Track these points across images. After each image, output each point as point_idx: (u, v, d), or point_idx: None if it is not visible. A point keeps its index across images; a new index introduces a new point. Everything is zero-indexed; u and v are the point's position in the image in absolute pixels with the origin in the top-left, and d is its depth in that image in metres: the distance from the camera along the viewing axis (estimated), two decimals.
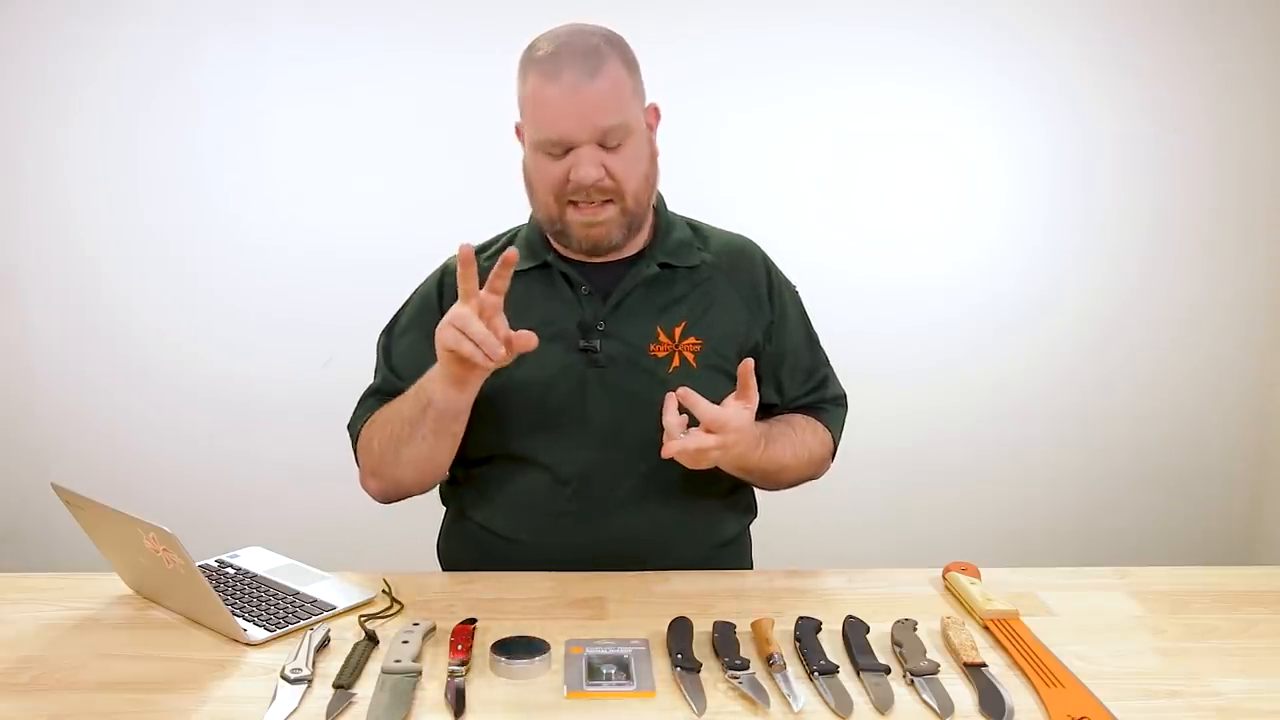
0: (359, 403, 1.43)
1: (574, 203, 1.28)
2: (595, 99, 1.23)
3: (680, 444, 1.19)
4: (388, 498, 1.38)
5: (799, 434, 1.41)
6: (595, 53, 1.24)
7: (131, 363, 2.50)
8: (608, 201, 1.28)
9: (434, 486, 1.43)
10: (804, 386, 1.46)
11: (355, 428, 1.40)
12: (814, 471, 1.45)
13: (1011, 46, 2.44)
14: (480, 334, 1.14)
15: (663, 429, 1.24)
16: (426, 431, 1.27)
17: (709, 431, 1.20)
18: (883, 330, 2.51)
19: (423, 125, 2.42)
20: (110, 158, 2.42)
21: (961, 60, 2.44)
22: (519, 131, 1.33)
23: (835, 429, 1.48)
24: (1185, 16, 2.44)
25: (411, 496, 1.40)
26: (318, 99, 2.41)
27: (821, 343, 1.51)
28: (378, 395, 1.40)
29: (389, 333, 1.44)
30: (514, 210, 1.46)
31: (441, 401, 1.24)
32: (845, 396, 1.51)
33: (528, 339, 1.18)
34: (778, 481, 1.42)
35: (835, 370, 1.52)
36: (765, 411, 1.45)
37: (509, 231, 1.46)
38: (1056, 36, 2.44)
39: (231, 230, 2.46)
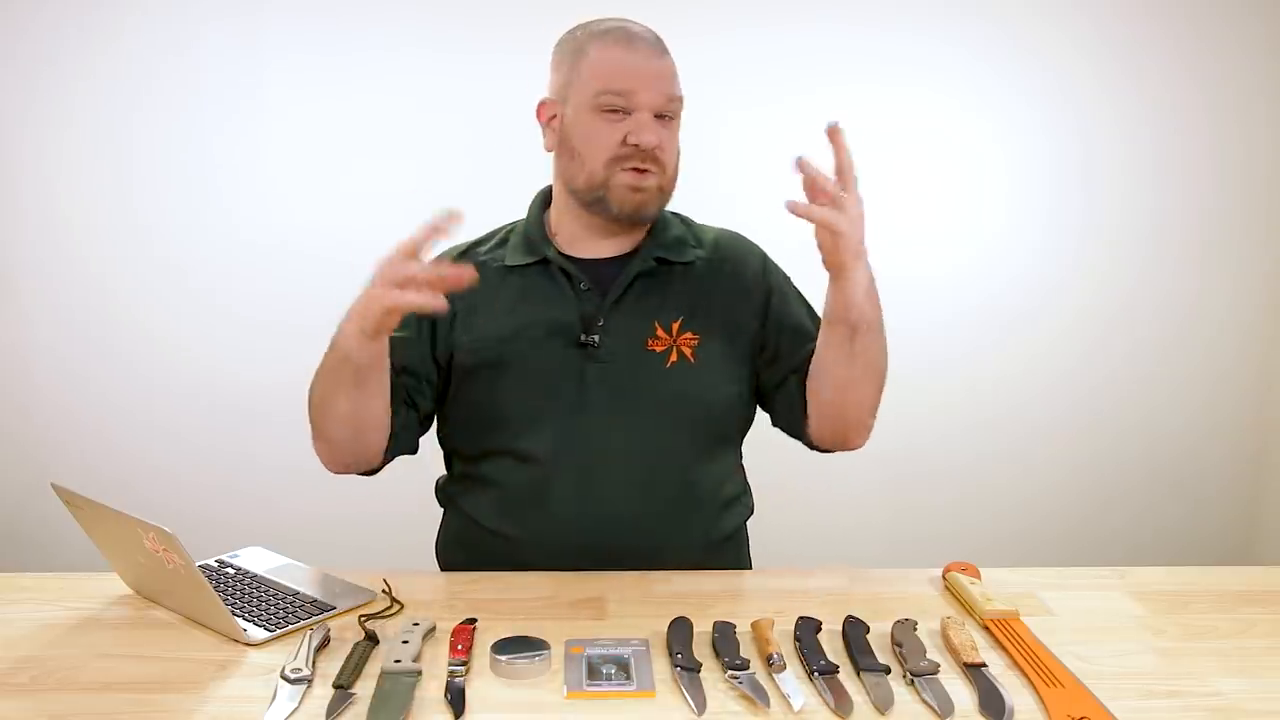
0: None
1: (626, 167, 1.29)
2: (666, 71, 1.32)
3: (811, 208, 1.24)
4: (335, 462, 1.34)
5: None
6: (660, 39, 1.35)
7: (131, 363, 2.50)
8: (649, 172, 1.31)
9: (378, 455, 1.35)
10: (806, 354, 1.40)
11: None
12: (881, 391, 1.33)
13: (1012, 46, 2.44)
14: (425, 274, 1.16)
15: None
16: (348, 385, 1.25)
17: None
18: None
19: (422, 125, 2.42)
20: (107, 158, 2.42)
21: (962, 60, 2.44)
22: (540, 111, 1.36)
23: None
24: (1185, 17, 2.44)
25: (360, 469, 1.35)
26: (316, 99, 2.41)
27: None
28: None
29: None
30: (515, 211, 1.46)
31: (359, 354, 1.23)
32: None
33: (461, 272, 1.18)
34: (871, 365, 1.29)
35: None
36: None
37: (503, 228, 1.46)
38: (1057, 37, 2.44)
39: (230, 231, 2.45)
